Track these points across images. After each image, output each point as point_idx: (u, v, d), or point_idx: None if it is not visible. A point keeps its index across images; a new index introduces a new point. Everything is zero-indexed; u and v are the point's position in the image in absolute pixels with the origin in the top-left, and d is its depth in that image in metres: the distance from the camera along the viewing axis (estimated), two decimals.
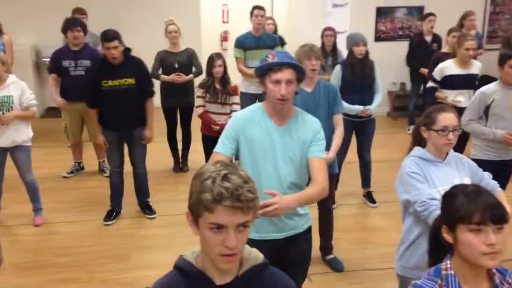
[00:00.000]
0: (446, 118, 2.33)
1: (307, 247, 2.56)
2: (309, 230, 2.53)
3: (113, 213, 4.48)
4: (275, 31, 6.36)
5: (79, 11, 5.91)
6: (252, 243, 1.46)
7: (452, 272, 1.54)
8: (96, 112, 4.34)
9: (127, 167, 4.57)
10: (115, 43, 4.08)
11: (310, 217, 2.56)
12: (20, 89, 4.08)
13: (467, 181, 2.37)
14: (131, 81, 4.22)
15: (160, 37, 5.51)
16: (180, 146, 5.70)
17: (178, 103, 5.40)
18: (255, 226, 2.06)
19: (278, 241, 2.41)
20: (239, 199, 1.24)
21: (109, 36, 4.09)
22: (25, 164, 4.21)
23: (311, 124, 2.38)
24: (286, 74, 2.25)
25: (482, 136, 3.61)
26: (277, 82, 2.25)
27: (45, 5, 7.47)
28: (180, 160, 5.72)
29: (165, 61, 5.33)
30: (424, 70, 6.35)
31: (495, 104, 3.56)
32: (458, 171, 2.39)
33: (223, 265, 1.29)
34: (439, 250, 1.63)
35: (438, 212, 2.14)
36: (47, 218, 4.45)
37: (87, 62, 5.04)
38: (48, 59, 5.43)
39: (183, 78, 5.27)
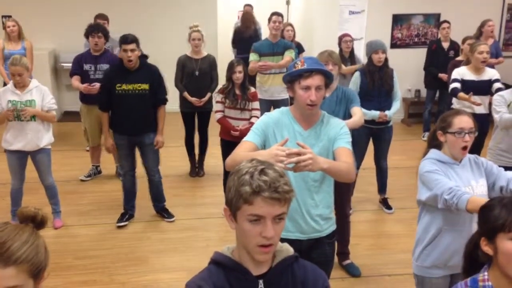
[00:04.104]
0: (462, 121, 2.37)
1: (330, 251, 2.57)
2: (333, 234, 2.55)
3: (125, 215, 4.52)
4: (294, 37, 6.42)
5: (101, 17, 6.01)
6: None
7: (490, 283, 1.53)
8: (107, 115, 4.40)
9: (141, 170, 4.61)
10: (132, 46, 4.15)
11: (335, 221, 2.57)
12: (42, 93, 4.16)
13: (482, 182, 2.39)
14: (145, 86, 4.27)
15: (179, 42, 5.58)
16: (196, 150, 5.75)
17: (196, 108, 5.45)
18: None
19: (301, 243, 2.42)
20: (277, 190, 1.31)
21: (128, 38, 4.17)
22: (45, 167, 4.28)
23: (335, 123, 2.42)
24: (316, 80, 2.28)
25: None
26: (307, 88, 2.28)
27: (64, 10, 7.60)
28: (197, 165, 5.76)
29: (186, 66, 5.38)
30: (443, 75, 6.35)
31: (510, 110, 3.58)
32: (473, 173, 2.41)
33: (260, 256, 1.37)
34: (474, 269, 1.62)
35: (467, 196, 2.17)
36: (66, 221, 4.51)
37: (106, 67, 5.11)
38: (67, 64, 5.52)
39: (202, 101, 5.35)
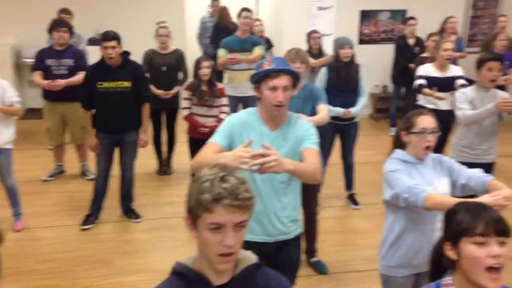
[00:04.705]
0: (425, 121, 2.39)
1: (297, 254, 2.57)
2: (299, 236, 2.55)
3: (90, 217, 4.41)
4: (263, 33, 6.39)
5: (65, 11, 5.87)
6: (243, 244, 1.47)
7: None
8: (90, 114, 4.31)
9: (113, 170, 4.51)
10: (113, 43, 4.07)
11: (301, 224, 2.57)
12: (2, 88, 4.01)
13: (445, 180, 2.42)
14: (127, 84, 4.20)
15: (146, 38, 5.48)
16: (164, 148, 5.67)
17: (163, 105, 5.37)
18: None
19: (268, 246, 2.41)
20: (238, 198, 1.30)
21: (108, 35, 4.10)
22: (5, 168, 4.13)
23: (302, 124, 2.40)
24: (283, 81, 2.26)
25: (481, 117, 3.58)
26: (274, 88, 2.26)
27: (26, 4, 7.36)
28: (164, 163, 5.68)
29: (153, 61, 5.28)
30: (412, 65, 6.40)
31: (472, 107, 3.64)
32: (436, 172, 2.44)
33: (221, 266, 1.35)
34: (440, 274, 1.61)
35: (424, 194, 2.18)
36: (27, 223, 4.37)
37: (70, 62, 5.01)
38: (29, 60, 5.34)
39: (170, 94, 5.26)
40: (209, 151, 2.24)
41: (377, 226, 3.86)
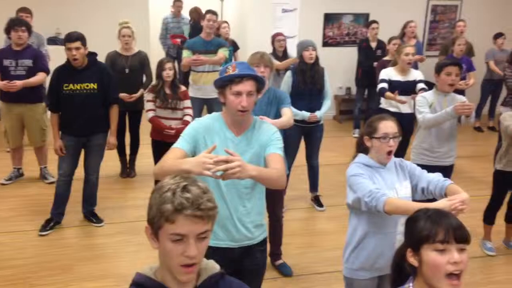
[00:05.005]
0: (387, 126, 2.43)
1: (262, 259, 2.56)
2: (264, 241, 2.54)
3: (50, 223, 4.28)
4: (229, 35, 6.38)
5: (24, 10, 5.67)
6: (207, 250, 1.45)
7: None
8: (57, 116, 4.21)
9: (76, 173, 4.40)
10: (77, 44, 3.99)
11: (266, 228, 2.56)
12: None
13: (406, 184, 2.46)
14: (93, 86, 4.11)
15: (109, 39, 5.37)
16: (128, 150, 5.58)
17: (127, 107, 5.26)
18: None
19: (232, 251, 2.40)
20: (200, 208, 1.28)
21: (72, 36, 4.02)
22: None
23: (267, 129, 2.40)
24: (247, 86, 2.25)
25: (440, 120, 3.66)
26: (238, 93, 2.25)
27: None
28: (128, 165, 5.59)
29: (116, 64, 5.16)
30: (376, 64, 6.51)
31: (432, 110, 3.74)
32: (398, 176, 2.48)
33: (183, 276, 1.33)
34: (402, 280, 1.63)
35: (384, 198, 2.22)
36: None
37: (28, 62, 4.85)
38: None
39: (134, 97, 5.17)
40: (172, 157, 2.21)
41: (341, 227, 3.90)
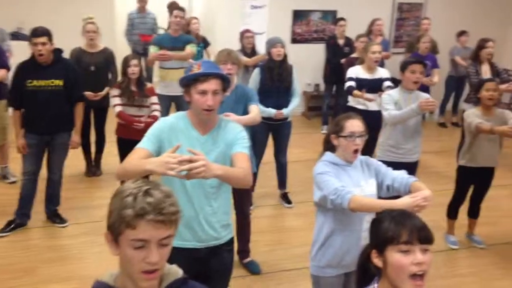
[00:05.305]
0: (353, 125, 2.45)
1: (229, 259, 2.55)
2: (231, 241, 2.53)
3: (12, 224, 4.16)
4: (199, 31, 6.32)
5: None
6: (172, 251, 1.43)
7: None
8: (20, 113, 4.09)
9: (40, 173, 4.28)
10: (43, 39, 3.88)
11: (232, 228, 2.55)
12: None
13: (372, 181, 2.49)
14: (59, 82, 4.01)
15: (73, 35, 5.23)
16: (93, 148, 5.46)
17: (92, 105, 5.14)
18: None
19: (198, 252, 2.38)
20: (162, 212, 1.24)
21: (38, 31, 3.91)
22: None
23: (233, 128, 2.39)
24: (213, 85, 2.23)
25: (405, 117, 3.71)
26: (203, 92, 2.23)
27: None
28: (93, 164, 5.48)
29: (81, 61, 5.02)
30: (344, 60, 6.56)
31: (397, 108, 3.80)
32: (364, 173, 2.51)
33: (145, 283, 1.29)
34: (367, 280, 1.64)
35: (349, 195, 2.24)
36: None
37: None
38: None
39: (99, 95, 5.07)
40: (136, 157, 2.17)
41: (309, 224, 3.89)
